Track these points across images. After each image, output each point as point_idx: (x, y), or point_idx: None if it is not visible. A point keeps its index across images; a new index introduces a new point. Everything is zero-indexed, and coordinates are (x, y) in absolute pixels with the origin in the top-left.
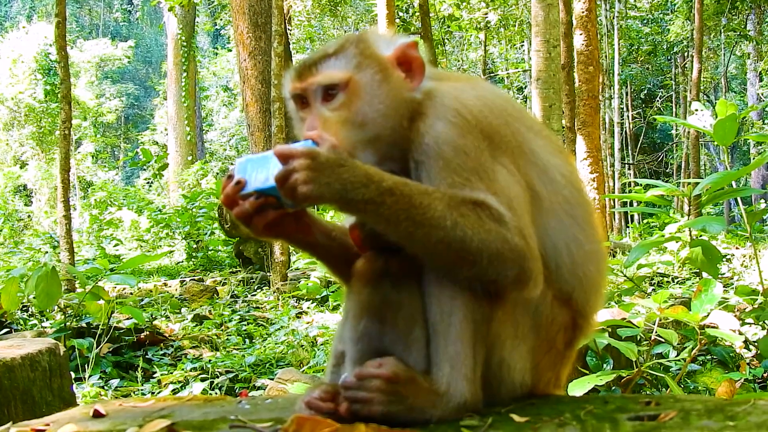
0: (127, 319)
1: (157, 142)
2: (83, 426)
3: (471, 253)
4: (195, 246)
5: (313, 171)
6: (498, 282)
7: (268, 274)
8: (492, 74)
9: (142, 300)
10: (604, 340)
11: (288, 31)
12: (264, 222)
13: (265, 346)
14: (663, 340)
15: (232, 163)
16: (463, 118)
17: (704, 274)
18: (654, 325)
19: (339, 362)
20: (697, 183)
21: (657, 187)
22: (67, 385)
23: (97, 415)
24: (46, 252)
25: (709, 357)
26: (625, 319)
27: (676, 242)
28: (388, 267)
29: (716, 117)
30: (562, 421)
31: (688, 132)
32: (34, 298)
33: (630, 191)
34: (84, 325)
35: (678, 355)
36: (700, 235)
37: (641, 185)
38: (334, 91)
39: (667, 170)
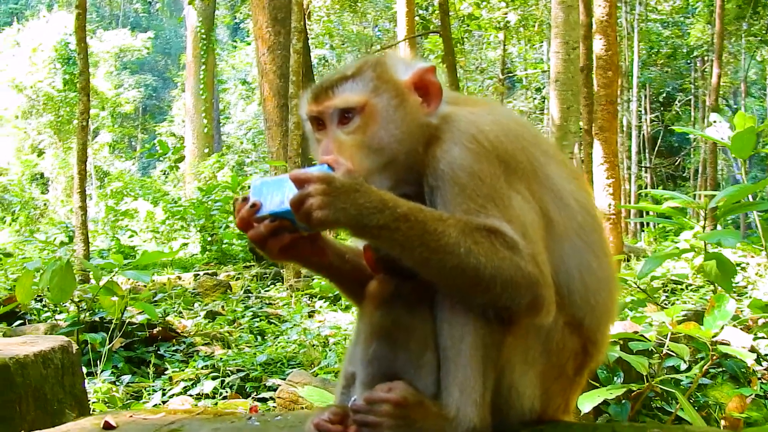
0: (140, 314)
1: (174, 134)
2: None
3: (484, 280)
4: (209, 239)
5: (328, 196)
6: (511, 309)
7: (281, 269)
8: (510, 74)
9: (156, 294)
10: (615, 353)
11: (307, 27)
12: (279, 245)
13: (276, 345)
14: (674, 354)
15: (248, 156)
16: (479, 144)
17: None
18: (666, 338)
19: (349, 383)
20: (714, 195)
21: (674, 198)
22: (78, 383)
23: (107, 427)
24: (62, 242)
25: (720, 370)
26: (636, 332)
27: (691, 250)
28: (400, 290)
29: (734, 128)
30: None
31: None
32: (48, 291)
33: (646, 195)
34: (97, 319)
35: (689, 368)
36: (715, 247)
37: (658, 197)
38: (350, 114)
39: (684, 174)
